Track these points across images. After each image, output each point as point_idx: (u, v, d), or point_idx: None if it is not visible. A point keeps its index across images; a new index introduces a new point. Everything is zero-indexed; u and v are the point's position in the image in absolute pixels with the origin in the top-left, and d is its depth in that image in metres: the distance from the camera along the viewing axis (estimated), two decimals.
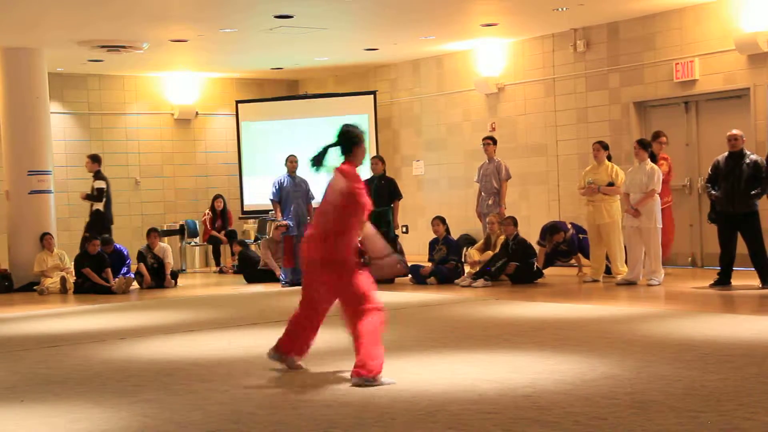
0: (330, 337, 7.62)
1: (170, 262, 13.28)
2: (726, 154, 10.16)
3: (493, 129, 14.81)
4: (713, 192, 10.15)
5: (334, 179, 5.75)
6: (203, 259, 16.85)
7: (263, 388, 5.56)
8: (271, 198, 12.73)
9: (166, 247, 13.46)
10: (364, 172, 13.85)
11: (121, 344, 7.67)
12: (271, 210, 13.42)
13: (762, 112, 11.84)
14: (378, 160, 13.02)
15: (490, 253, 11.80)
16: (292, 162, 12.72)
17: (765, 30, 11.63)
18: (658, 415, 4.53)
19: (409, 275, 12.49)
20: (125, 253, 13.30)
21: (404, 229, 15.59)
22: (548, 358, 5.76)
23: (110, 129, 16.74)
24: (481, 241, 12.34)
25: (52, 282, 12.92)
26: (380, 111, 16.41)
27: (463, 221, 14.67)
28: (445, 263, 12.17)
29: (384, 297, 10.62)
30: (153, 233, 13.44)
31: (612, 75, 13.51)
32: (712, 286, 10.12)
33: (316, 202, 12.99)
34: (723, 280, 10.12)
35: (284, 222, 12.56)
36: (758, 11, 11.72)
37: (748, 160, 9.99)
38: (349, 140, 5.80)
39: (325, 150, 5.76)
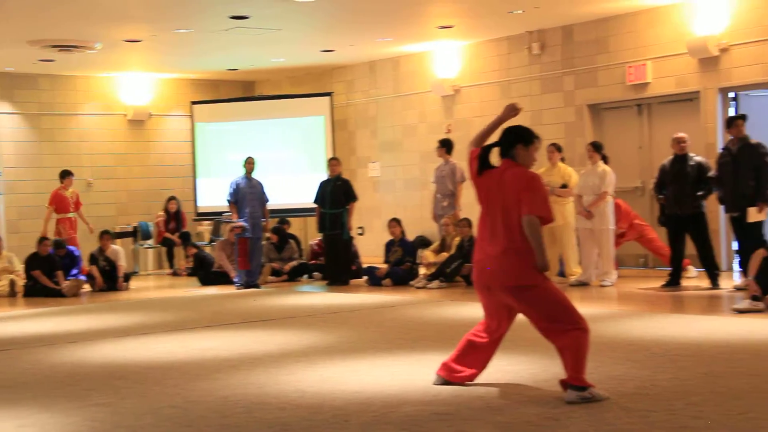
0: (283, 339, 7.59)
1: (123, 264, 13.14)
2: (671, 157, 10.33)
3: (449, 131, 14.86)
4: (660, 196, 10.34)
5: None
6: (157, 262, 16.68)
7: (216, 391, 5.52)
8: (228, 199, 12.66)
9: (118, 249, 13.31)
10: (322, 174, 13.85)
11: (71, 348, 7.56)
12: (226, 212, 13.34)
13: (712, 114, 12.03)
14: (335, 161, 13.03)
15: (445, 255, 11.84)
16: (249, 163, 12.68)
17: (715, 34, 11.82)
18: (609, 415, 4.57)
19: (365, 276, 12.51)
20: (77, 255, 13.12)
21: (360, 231, 15.58)
22: (501, 359, 5.78)
23: (62, 130, 16.50)
24: (437, 243, 12.38)
25: (1, 285, 12.70)
26: (336, 112, 16.38)
27: (419, 223, 14.71)
28: (401, 265, 12.19)
29: (339, 299, 10.67)
30: (105, 235, 13.30)
31: (566, 77, 13.63)
32: (663, 287, 10.26)
33: (270, 204, 12.95)
34: (673, 281, 10.26)
35: (240, 223, 12.48)
36: (709, 16, 11.91)
37: (692, 162, 10.18)
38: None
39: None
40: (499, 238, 5.09)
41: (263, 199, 12.73)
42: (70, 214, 14.09)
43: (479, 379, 5.40)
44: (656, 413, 4.56)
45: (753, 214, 9.67)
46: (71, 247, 13.19)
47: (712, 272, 10.13)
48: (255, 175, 12.74)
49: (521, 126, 5.30)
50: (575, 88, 13.52)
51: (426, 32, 13.85)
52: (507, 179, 5.10)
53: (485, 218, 5.22)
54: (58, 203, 14.04)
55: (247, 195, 12.56)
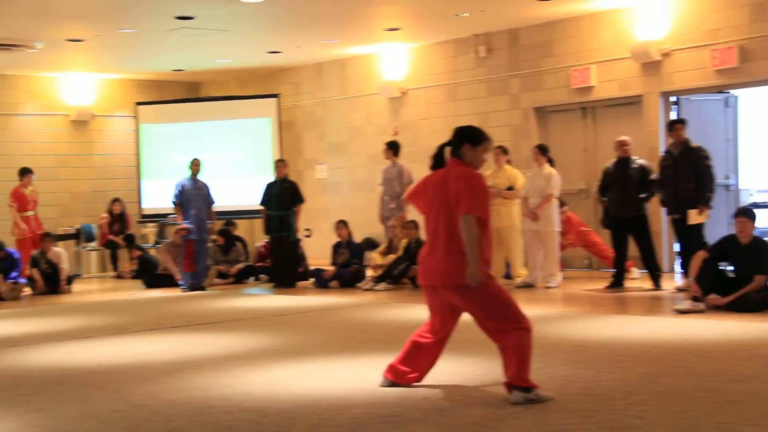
0: (229, 342, 7.53)
1: (65, 267, 12.92)
2: (615, 160, 10.49)
3: (396, 133, 14.88)
4: (604, 199, 10.49)
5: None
6: (100, 264, 16.44)
7: (161, 395, 5.45)
8: (173, 201, 12.53)
9: (60, 251, 13.09)
10: (269, 176, 13.78)
11: (11, 352, 7.41)
12: (171, 214, 13.19)
13: (654, 118, 12.24)
14: (282, 163, 12.98)
15: (392, 257, 11.85)
16: (195, 165, 12.58)
17: (657, 39, 12.03)
18: (553, 415, 4.62)
19: (312, 279, 12.47)
20: (16, 257, 12.85)
21: (307, 233, 15.53)
22: (448, 360, 5.81)
23: (2, 130, 16.16)
24: (384, 245, 12.39)
25: None
26: (283, 114, 16.32)
27: (366, 225, 14.71)
28: (348, 267, 12.17)
29: (286, 301, 10.62)
30: (47, 238, 13.07)
31: (512, 81, 13.75)
32: (606, 288, 10.40)
33: (216, 206, 12.84)
34: (617, 283, 10.41)
35: (185, 225, 12.36)
36: (651, 21, 12.11)
37: (635, 165, 10.35)
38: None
39: None
40: (441, 237, 5.11)
41: (209, 201, 12.63)
42: (30, 213, 13.85)
43: (425, 381, 5.42)
44: (600, 413, 4.62)
45: (693, 217, 9.86)
46: (10, 249, 12.93)
47: (655, 273, 10.30)
48: (201, 176, 12.63)
49: (472, 126, 5.31)
50: (521, 91, 13.64)
51: (373, 34, 13.87)
52: (450, 178, 5.12)
53: (428, 217, 5.25)
54: (19, 201, 13.79)
55: (193, 197, 12.45)
